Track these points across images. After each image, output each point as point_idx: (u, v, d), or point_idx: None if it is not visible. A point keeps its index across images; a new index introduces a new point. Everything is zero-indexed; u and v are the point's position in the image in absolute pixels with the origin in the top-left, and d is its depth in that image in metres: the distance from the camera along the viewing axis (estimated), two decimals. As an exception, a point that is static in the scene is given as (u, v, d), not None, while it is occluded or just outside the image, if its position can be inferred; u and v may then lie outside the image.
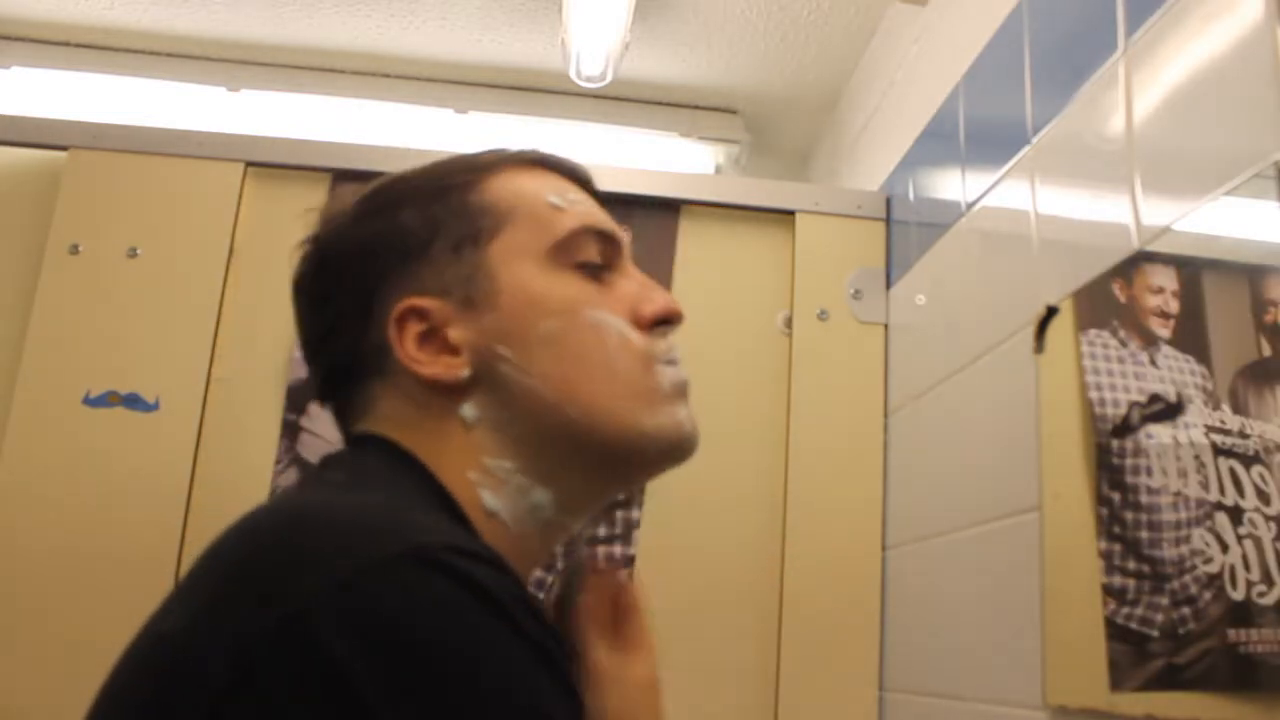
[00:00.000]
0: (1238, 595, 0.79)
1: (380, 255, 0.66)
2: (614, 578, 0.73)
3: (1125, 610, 0.93)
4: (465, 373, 0.63)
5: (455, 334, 0.64)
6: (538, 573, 0.77)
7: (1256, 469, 0.78)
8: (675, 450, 0.66)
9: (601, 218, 0.70)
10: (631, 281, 0.69)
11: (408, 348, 0.64)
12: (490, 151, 0.71)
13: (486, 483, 0.63)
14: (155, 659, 0.49)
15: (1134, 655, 0.91)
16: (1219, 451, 0.82)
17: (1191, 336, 0.89)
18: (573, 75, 1.95)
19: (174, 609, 0.51)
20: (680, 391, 0.67)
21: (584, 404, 0.63)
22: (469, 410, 0.64)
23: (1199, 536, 0.84)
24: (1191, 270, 0.90)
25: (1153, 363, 0.93)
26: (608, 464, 0.65)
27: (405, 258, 0.65)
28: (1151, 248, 0.94)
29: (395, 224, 0.66)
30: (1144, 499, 0.92)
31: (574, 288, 0.66)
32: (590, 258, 0.67)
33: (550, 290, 0.65)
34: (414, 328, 0.64)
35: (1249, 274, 0.83)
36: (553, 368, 0.63)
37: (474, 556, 0.49)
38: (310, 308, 0.70)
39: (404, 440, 0.64)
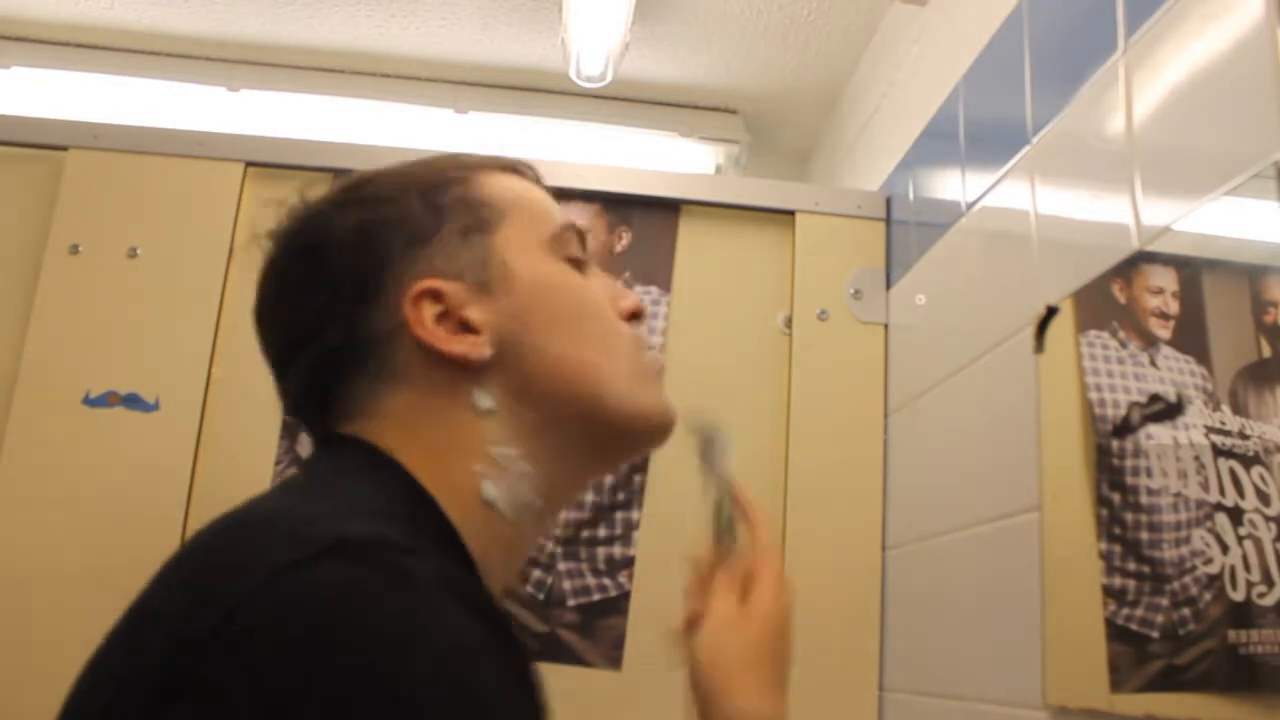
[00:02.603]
0: (1238, 596, 0.79)
1: (382, 240, 0.67)
2: (754, 508, 0.77)
3: (1125, 611, 0.93)
4: (488, 351, 0.65)
5: (474, 315, 0.65)
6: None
7: (1256, 470, 0.78)
8: (665, 429, 0.71)
9: (579, 219, 0.75)
10: (602, 278, 0.73)
11: (429, 327, 0.64)
12: (468, 154, 0.74)
13: (489, 473, 0.64)
14: (106, 664, 0.51)
15: (1134, 656, 0.91)
16: (1219, 452, 0.82)
17: (1191, 337, 0.89)
18: (573, 75, 1.95)
19: (125, 617, 0.53)
20: (660, 375, 0.72)
21: (595, 382, 0.67)
22: (480, 396, 0.65)
23: (1199, 537, 0.84)
24: (1191, 270, 0.90)
25: (1153, 363, 0.93)
26: (607, 442, 0.68)
27: (410, 243, 0.66)
28: (1151, 248, 0.94)
29: (395, 210, 0.68)
30: (1144, 500, 0.92)
31: (574, 276, 0.70)
32: (575, 253, 0.71)
33: (558, 276, 0.69)
34: (429, 309, 0.65)
35: (1249, 274, 0.83)
36: (568, 347, 0.67)
37: (401, 548, 0.49)
38: (295, 298, 0.68)
39: (398, 436, 0.63)
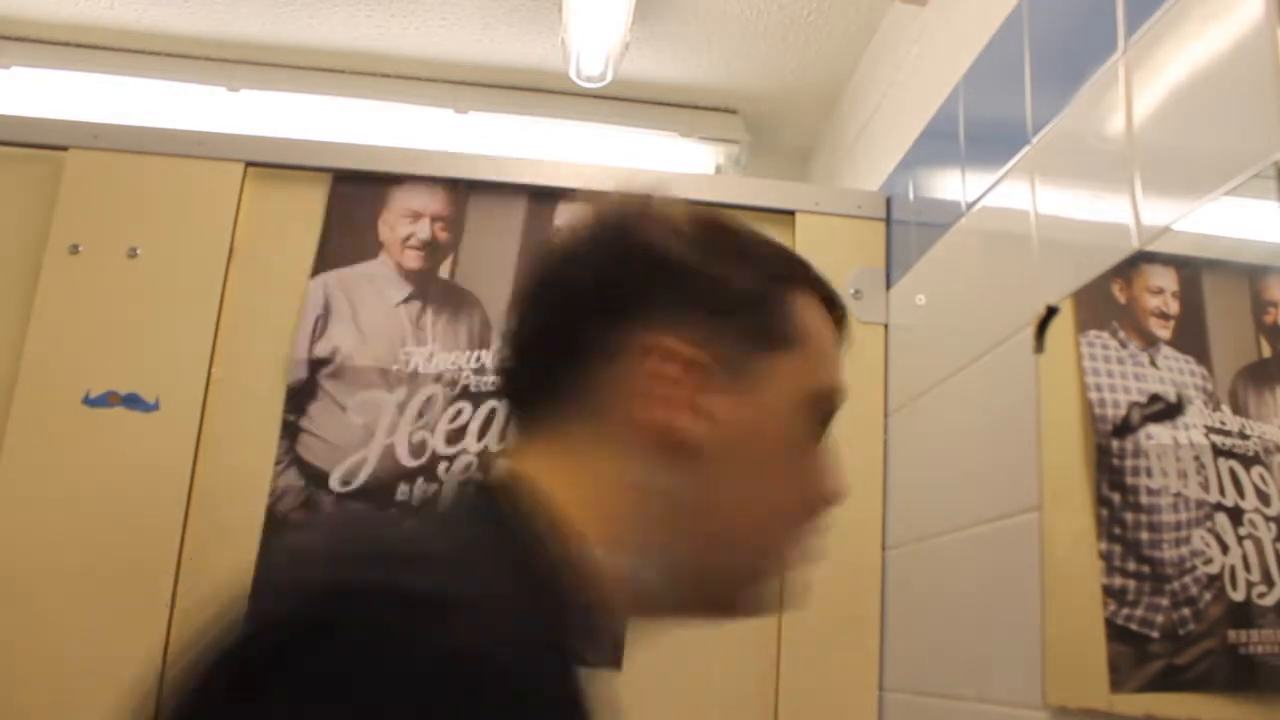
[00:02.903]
0: (1238, 596, 0.79)
1: (693, 281, 0.63)
2: None
3: (1125, 611, 0.93)
4: (702, 444, 0.61)
5: (713, 404, 0.61)
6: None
7: (1256, 470, 0.78)
8: (746, 617, 0.67)
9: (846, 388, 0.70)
10: (828, 452, 0.68)
11: (658, 382, 0.61)
12: (812, 270, 0.69)
13: (623, 540, 0.60)
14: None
15: (1134, 656, 0.91)
16: (1219, 452, 0.82)
17: (1191, 337, 0.89)
18: (573, 75, 1.95)
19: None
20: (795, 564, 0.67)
21: (742, 545, 0.63)
22: (658, 472, 0.61)
23: (1199, 537, 0.84)
24: (1191, 270, 0.90)
25: (1153, 363, 0.93)
26: (706, 592, 0.65)
27: (713, 304, 0.63)
28: (1151, 248, 0.94)
29: (709, 264, 0.64)
30: (1144, 500, 0.92)
31: (805, 433, 0.66)
32: (825, 417, 0.67)
33: (793, 424, 0.65)
34: (669, 368, 0.61)
35: (1249, 274, 0.83)
36: (749, 487, 0.63)
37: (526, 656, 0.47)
38: (581, 279, 0.65)
39: (563, 473, 0.61)
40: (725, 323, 0.63)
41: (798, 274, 0.68)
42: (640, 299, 0.63)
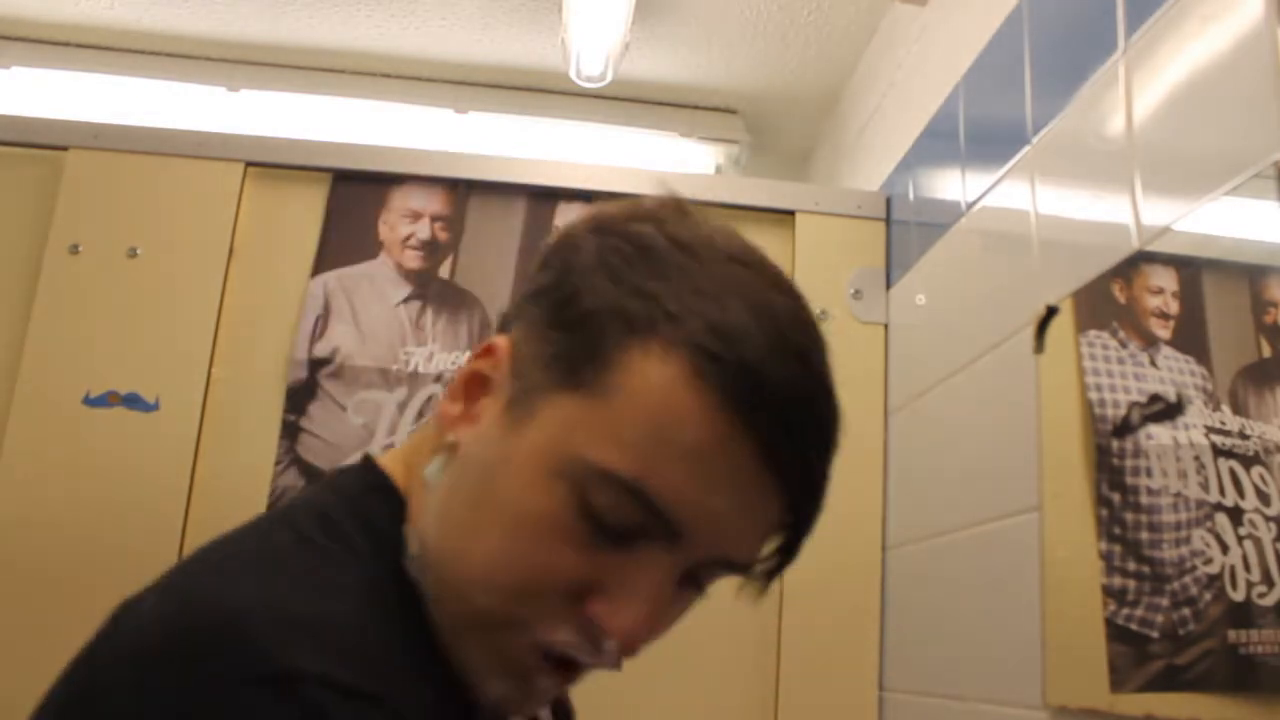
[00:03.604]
0: (1238, 596, 0.79)
1: (564, 283, 0.55)
2: None
3: (1125, 611, 0.93)
4: (454, 439, 0.57)
5: (485, 403, 0.56)
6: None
7: (1256, 470, 0.78)
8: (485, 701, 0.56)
9: (734, 539, 0.57)
10: (641, 579, 0.52)
11: (469, 375, 0.58)
12: (747, 341, 0.50)
13: (412, 543, 0.57)
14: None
15: (1134, 656, 0.91)
16: (1219, 452, 0.82)
17: (1191, 337, 0.89)
18: (573, 75, 1.95)
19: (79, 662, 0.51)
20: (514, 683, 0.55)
21: (461, 564, 0.53)
22: (434, 465, 0.57)
23: (1199, 537, 0.84)
24: (1191, 270, 0.90)
25: (1153, 363, 0.93)
26: (451, 648, 0.55)
27: (557, 313, 0.54)
28: (1151, 248, 0.94)
29: (602, 281, 0.53)
30: (1144, 500, 0.92)
31: (562, 512, 0.51)
32: (619, 520, 0.50)
33: (536, 486, 0.51)
34: (483, 361, 0.57)
35: (1249, 274, 0.83)
36: (473, 517, 0.54)
37: (348, 693, 0.45)
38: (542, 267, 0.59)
39: (415, 467, 0.60)
40: (549, 336, 0.54)
41: (700, 326, 0.49)
42: (524, 295, 0.58)
